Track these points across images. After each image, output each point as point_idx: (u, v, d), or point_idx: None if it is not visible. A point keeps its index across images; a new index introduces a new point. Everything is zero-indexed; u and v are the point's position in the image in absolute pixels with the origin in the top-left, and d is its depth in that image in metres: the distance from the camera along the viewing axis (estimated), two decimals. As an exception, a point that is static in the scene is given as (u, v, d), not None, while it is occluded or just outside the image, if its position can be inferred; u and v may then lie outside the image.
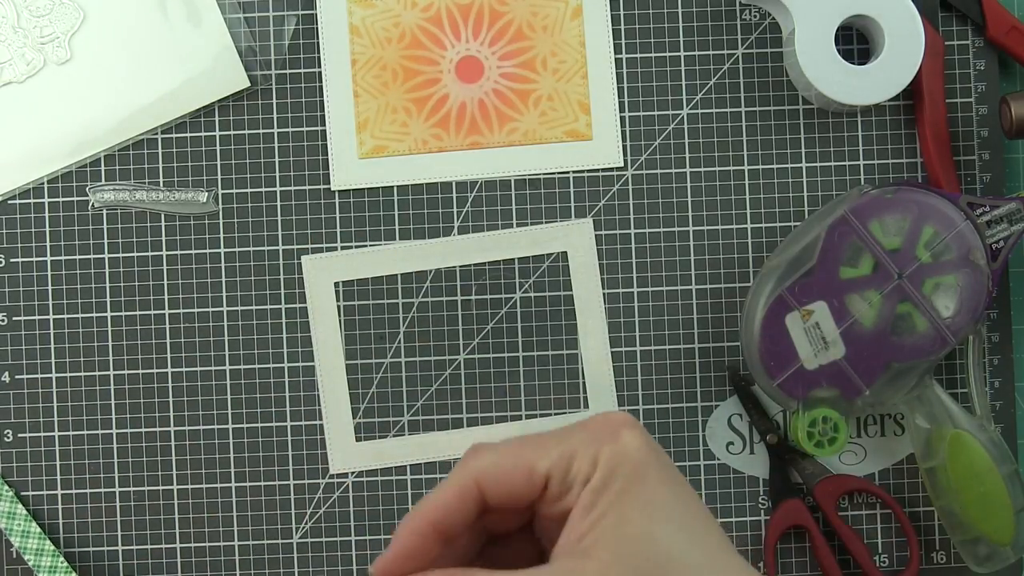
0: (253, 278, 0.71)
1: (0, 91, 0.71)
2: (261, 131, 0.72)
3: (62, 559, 0.70)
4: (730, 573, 0.38)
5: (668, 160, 0.72)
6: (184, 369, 0.71)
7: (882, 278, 0.67)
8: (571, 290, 0.72)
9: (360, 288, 0.71)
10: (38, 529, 0.70)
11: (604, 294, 0.71)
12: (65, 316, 0.71)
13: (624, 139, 0.72)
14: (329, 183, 0.71)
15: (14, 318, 0.71)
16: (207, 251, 0.71)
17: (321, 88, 0.72)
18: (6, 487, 0.70)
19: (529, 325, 0.71)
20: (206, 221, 0.71)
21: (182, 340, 0.71)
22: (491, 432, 0.71)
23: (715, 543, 0.39)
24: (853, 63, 0.71)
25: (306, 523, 0.71)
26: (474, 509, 0.40)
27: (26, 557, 0.69)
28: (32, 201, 0.71)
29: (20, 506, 0.70)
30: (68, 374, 0.71)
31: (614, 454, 0.39)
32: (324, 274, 0.71)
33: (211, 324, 0.71)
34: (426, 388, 0.71)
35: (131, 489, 0.71)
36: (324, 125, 0.72)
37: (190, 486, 0.71)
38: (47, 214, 0.71)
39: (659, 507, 0.38)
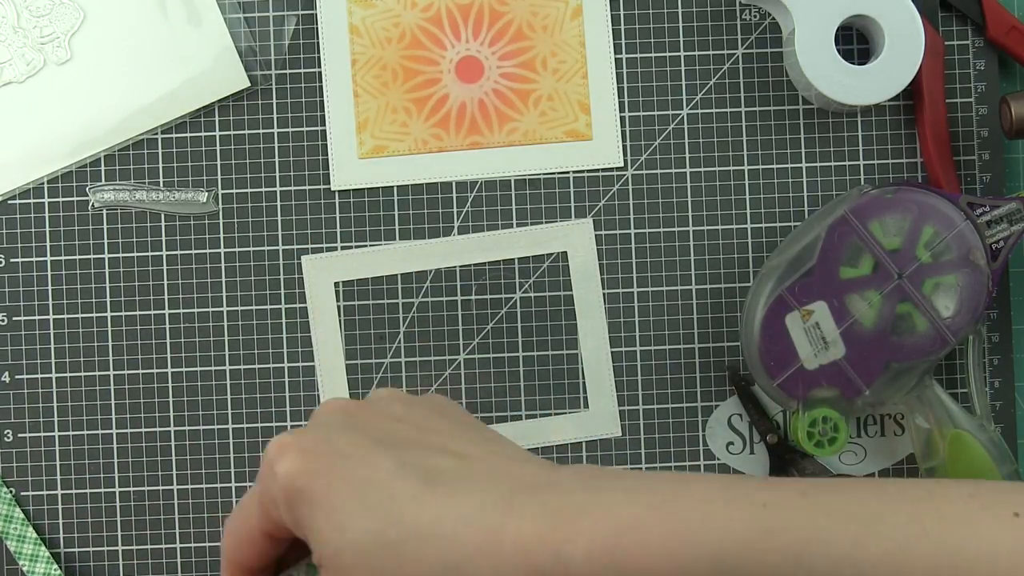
0: (253, 278, 0.71)
1: (0, 91, 0.71)
2: (261, 131, 0.72)
3: (55, 567, 0.70)
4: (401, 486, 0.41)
5: (668, 160, 0.72)
6: (184, 369, 0.71)
7: (882, 278, 0.67)
8: (571, 290, 0.72)
9: (360, 288, 0.71)
10: (35, 535, 0.70)
11: (604, 294, 0.71)
12: (65, 316, 0.71)
13: (624, 139, 0.72)
14: (329, 183, 0.71)
15: (14, 318, 0.71)
16: (207, 251, 0.71)
17: (321, 88, 0.72)
18: (5, 488, 0.70)
19: (529, 325, 0.71)
20: (206, 221, 0.71)
21: (182, 340, 0.71)
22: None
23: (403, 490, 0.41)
24: (853, 63, 0.71)
25: (306, 523, 0.71)
26: (261, 559, 0.45)
27: (20, 562, 0.69)
28: (32, 201, 0.71)
29: (17, 509, 0.70)
30: (68, 374, 0.71)
31: (274, 490, 0.42)
32: (324, 274, 0.71)
33: (211, 324, 0.71)
34: (426, 388, 0.71)
35: (131, 489, 0.71)
36: (324, 125, 0.72)
37: (190, 486, 0.71)
38: (47, 214, 0.71)
39: (327, 503, 0.41)
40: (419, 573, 0.40)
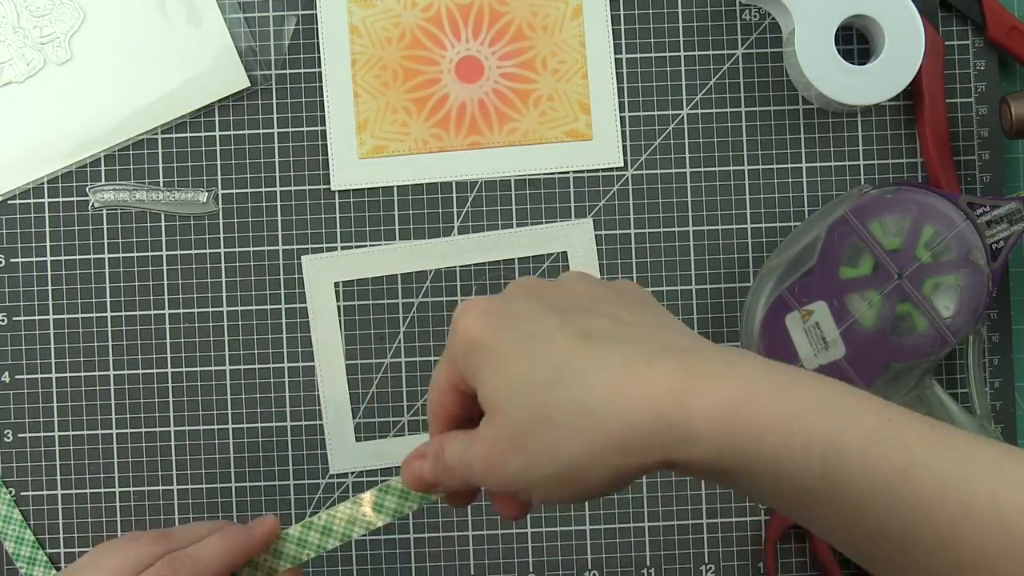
0: (253, 278, 0.71)
1: (0, 91, 0.71)
2: (261, 131, 0.72)
3: (53, 570, 0.70)
4: (587, 358, 0.45)
5: (668, 160, 0.72)
6: (184, 369, 0.71)
7: (882, 278, 0.67)
8: (571, 290, 0.71)
9: (360, 288, 0.71)
10: (32, 537, 0.70)
11: (604, 294, 0.71)
12: (65, 316, 0.71)
13: (624, 139, 0.72)
14: (329, 183, 0.71)
15: (14, 318, 0.71)
16: (207, 251, 0.71)
17: (321, 88, 0.72)
18: (5, 489, 0.70)
19: (529, 325, 0.71)
20: (206, 221, 0.71)
21: (182, 340, 0.71)
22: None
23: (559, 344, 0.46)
24: (853, 63, 0.71)
25: (306, 523, 0.71)
26: (455, 409, 0.51)
27: (18, 564, 0.69)
28: (32, 201, 0.71)
29: (16, 510, 0.70)
30: (68, 374, 0.71)
31: (455, 343, 0.48)
32: (324, 274, 0.71)
33: (211, 324, 0.71)
34: (426, 388, 0.71)
35: (131, 489, 0.71)
36: (324, 125, 0.72)
37: (190, 486, 0.71)
38: (47, 214, 0.71)
39: (496, 351, 0.47)
40: (559, 410, 0.45)
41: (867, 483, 0.44)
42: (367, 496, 0.56)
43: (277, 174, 0.72)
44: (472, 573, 0.71)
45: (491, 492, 0.51)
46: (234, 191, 0.71)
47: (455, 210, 0.72)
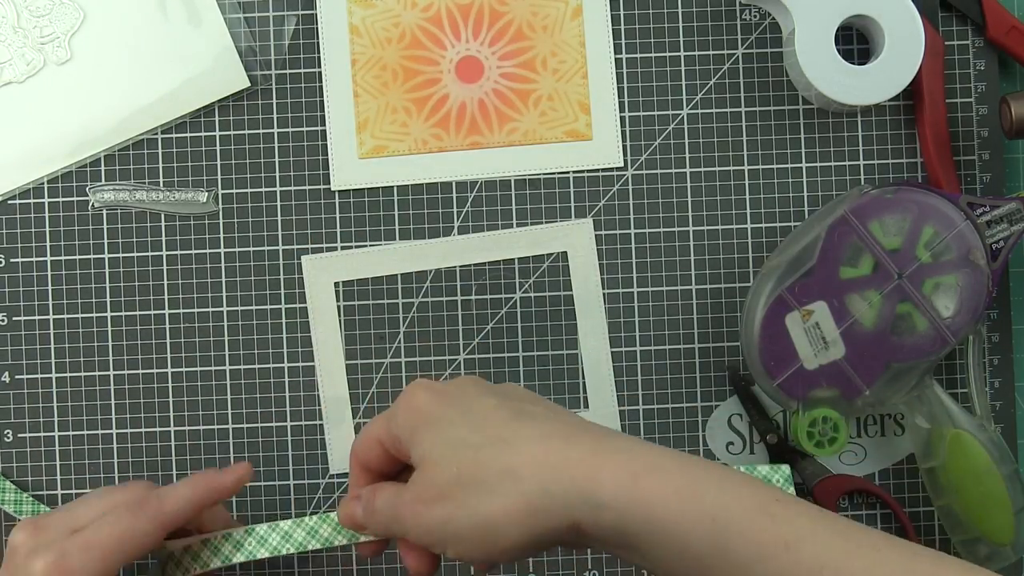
0: (253, 278, 0.71)
1: (0, 91, 0.71)
2: (261, 131, 0.72)
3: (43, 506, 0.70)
4: (511, 434, 0.53)
5: (668, 160, 0.72)
6: (184, 369, 0.71)
7: (882, 278, 0.67)
8: (571, 290, 0.72)
9: (360, 288, 0.71)
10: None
11: (604, 294, 0.71)
12: (65, 316, 0.71)
13: (624, 139, 0.72)
14: (329, 183, 0.71)
15: (14, 318, 0.71)
16: (207, 251, 0.71)
17: (321, 88, 0.72)
18: (9, 484, 0.70)
19: (529, 325, 0.71)
20: (206, 221, 0.71)
21: (182, 340, 0.71)
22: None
23: (494, 430, 0.53)
24: (853, 63, 0.71)
25: (306, 523, 0.71)
26: (376, 462, 0.58)
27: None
28: (32, 201, 0.71)
29: (26, 496, 0.70)
30: (68, 374, 0.71)
31: (401, 414, 0.55)
32: (324, 274, 0.71)
33: (211, 324, 0.71)
34: (426, 388, 0.71)
35: (131, 489, 0.71)
36: (324, 125, 0.72)
37: (190, 486, 0.71)
38: (47, 214, 0.71)
39: (439, 421, 0.54)
40: (487, 470, 0.52)
41: (752, 550, 0.49)
42: (312, 520, 0.61)
43: (277, 174, 0.72)
44: (472, 573, 0.71)
45: (404, 545, 0.57)
46: (234, 191, 0.71)
47: (455, 210, 0.72)
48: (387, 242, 0.71)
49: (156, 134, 0.72)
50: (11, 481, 0.71)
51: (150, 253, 0.71)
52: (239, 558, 0.61)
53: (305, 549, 0.61)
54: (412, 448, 0.54)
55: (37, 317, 0.71)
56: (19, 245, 0.71)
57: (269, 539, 0.61)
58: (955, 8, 0.72)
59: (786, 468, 0.62)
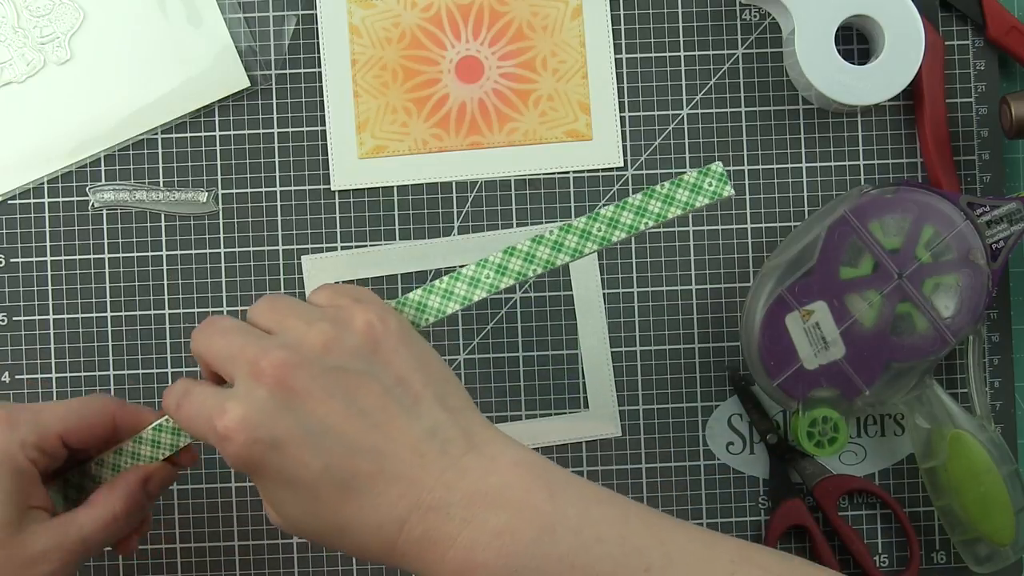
0: (253, 278, 0.71)
1: (0, 91, 0.71)
2: (261, 131, 0.72)
3: None
4: None
5: (668, 160, 0.72)
6: (184, 369, 0.71)
7: (882, 278, 0.67)
8: (571, 290, 0.72)
9: (360, 288, 0.71)
10: None
11: (604, 294, 0.71)
12: (65, 316, 0.71)
13: (624, 139, 0.72)
14: (329, 183, 0.71)
15: (14, 318, 0.71)
16: (207, 251, 0.71)
17: (321, 88, 0.72)
18: None
19: (529, 325, 0.71)
20: (206, 221, 0.71)
21: (182, 340, 0.71)
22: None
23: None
24: (853, 63, 0.71)
25: (306, 523, 0.71)
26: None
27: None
28: (32, 201, 0.71)
29: None
30: (68, 374, 0.71)
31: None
32: (324, 274, 0.71)
33: (211, 324, 0.71)
34: (426, 388, 0.71)
35: (131, 489, 0.71)
36: (324, 125, 0.72)
37: (190, 486, 0.71)
38: (47, 214, 0.71)
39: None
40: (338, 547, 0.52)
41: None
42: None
43: (277, 174, 0.72)
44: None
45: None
46: (234, 191, 0.71)
47: (455, 210, 0.72)
48: (387, 242, 0.72)
49: (156, 134, 0.72)
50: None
51: (150, 253, 0.71)
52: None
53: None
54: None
55: (37, 317, 0.71)
56: (19, 245, 0.71)
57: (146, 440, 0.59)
58: (955, 8, 0.72)
59: (717, 167, 0.57)
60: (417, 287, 0.58)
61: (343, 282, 0.71)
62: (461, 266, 0.58)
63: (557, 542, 0.49)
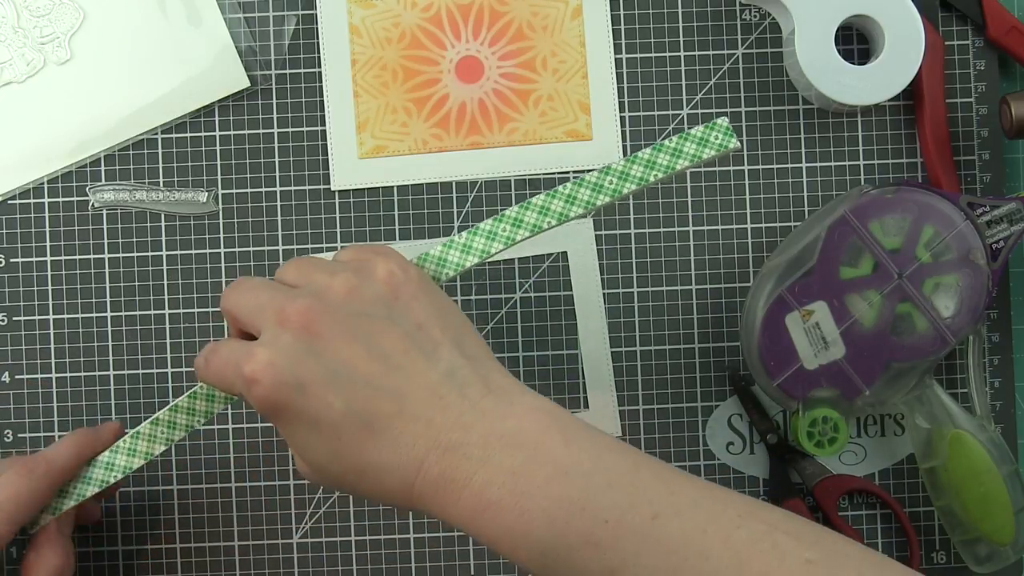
0: (253, 278, 0.71)
1: (0, 91, 0.71)
2: (261, 131, 0.72)
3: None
4: None
5: (668, 160, 0.72)
6: (184, 369, 0.71)
7: (882, 278, 0.67)
8: (571, 290, 0.72)
9: (360, 288, 0.71)
10: None
11: (604, 294, 0.72)
12: (65, 316, 0.71)
13: (624, 139, 0.72)
14: (329, 183, 0.71)
15: (14, 318, 0.71)
16: (207, 251, 0.71)
17: (321, 88, 0.72)
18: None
19: (529, 325, 0.71)
20: (206, 221, 0.71)
21: (182, 340, 0.71)
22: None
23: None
24: (853, 63, 0.71)
25: (306, 523, 0.71)
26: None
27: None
28: (32, 201, 0.71)
29: None
30: (68, 374, 0.71)
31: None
32: (324, 274, 0.71)
33: (211, 324, 0.71)
34: (426, 388, 0.71)
35: (131, 489, 0.71)
36: (324, 125, 0.72)
37: (190, 486, 0.71)
38: (47, 214, 0.71)
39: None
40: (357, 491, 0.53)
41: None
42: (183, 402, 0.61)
43: (277, 174, 0.72)
44: (472, 573, 0.71)
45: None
46: (234, 191, 0.71)
47: (455, 210, 0.72)
48: (387, 242, 0.71)
49: (156, 134, 0.72)
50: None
51: (150, 253, 0.71)
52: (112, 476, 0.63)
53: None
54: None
55: (37, 317, 0.71)
56: (19, 245, 0.71)
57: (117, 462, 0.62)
58: (955, 8, 0.72)
59: (723, 121, 0.58)
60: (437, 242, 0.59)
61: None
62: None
63: (569, 485, 0.49)
